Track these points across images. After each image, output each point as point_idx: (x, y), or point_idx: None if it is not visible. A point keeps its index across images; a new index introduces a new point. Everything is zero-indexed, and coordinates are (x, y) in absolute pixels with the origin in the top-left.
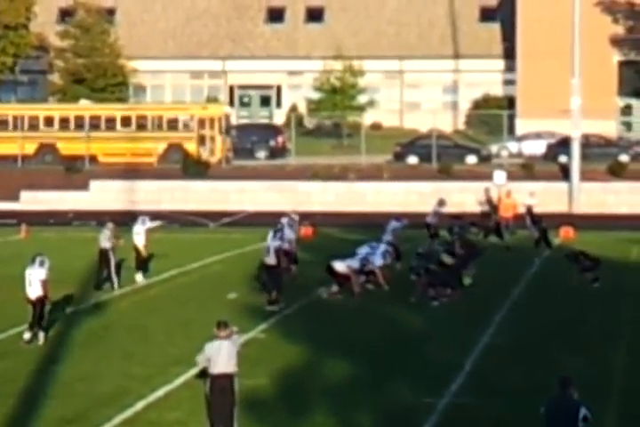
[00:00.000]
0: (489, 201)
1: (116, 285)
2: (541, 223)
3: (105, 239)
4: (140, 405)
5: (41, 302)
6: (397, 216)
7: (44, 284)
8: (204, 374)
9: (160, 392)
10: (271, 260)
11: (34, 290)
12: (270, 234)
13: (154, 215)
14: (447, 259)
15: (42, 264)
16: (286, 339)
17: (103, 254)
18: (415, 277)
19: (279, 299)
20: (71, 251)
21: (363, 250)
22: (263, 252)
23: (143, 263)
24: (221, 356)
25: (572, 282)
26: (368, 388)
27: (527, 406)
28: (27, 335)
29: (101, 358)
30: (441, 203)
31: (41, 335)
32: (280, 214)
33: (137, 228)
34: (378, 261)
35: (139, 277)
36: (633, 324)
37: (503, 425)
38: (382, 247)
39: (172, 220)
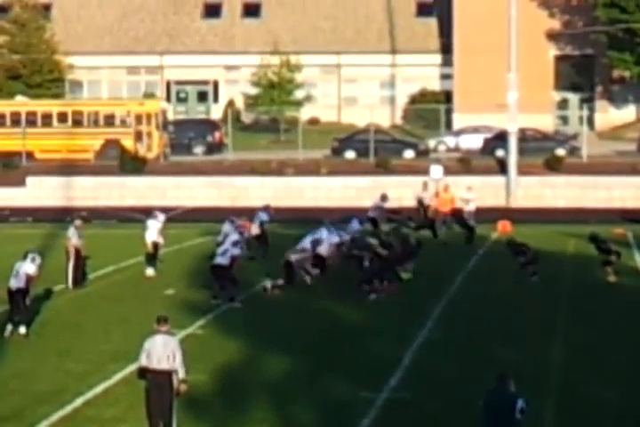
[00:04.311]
0: (419, 200)
1: (70, 283)
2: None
3: (75, 237)
4: (78, 402)
5: (20, 293)
6: (361, 219)
7: (30, 278)
8: (143, 375)
9: (98, 389)
10: (224, 260)
11: (17, 281)
12: (233, 237)
13: (91, 211)
14: (381, 250)
15: (33, 260)
16: (224, 334)
17: (76, 252)
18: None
19: (238, 294)
20: (7, 248)
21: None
22: (215, 252)
23: (151, 258)
24: (161, 351)
25: (511, 276)
26: (307, 383)
27: (466, 400)
28: (9, 328)
29: (37, 355)
30: (383, 198)
31: (22, 328)
32: (219, 210)
33: (149, 222)
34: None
35: (149, 271)
36: (570, 317)
37: (442, 420)
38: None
39: (108, 216)
